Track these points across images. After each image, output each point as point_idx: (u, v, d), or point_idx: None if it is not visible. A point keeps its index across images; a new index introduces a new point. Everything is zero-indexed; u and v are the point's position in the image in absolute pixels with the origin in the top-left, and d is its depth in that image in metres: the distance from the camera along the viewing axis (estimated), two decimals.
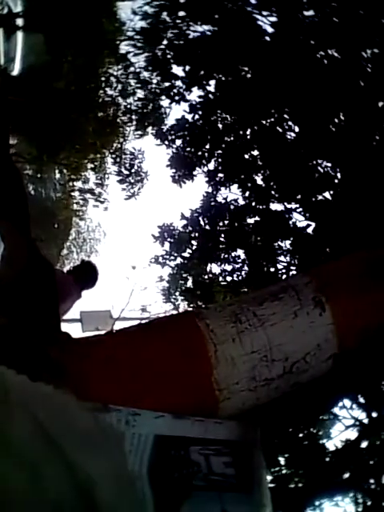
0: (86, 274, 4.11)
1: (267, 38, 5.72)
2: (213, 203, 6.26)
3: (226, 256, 6.10)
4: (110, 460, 0.70)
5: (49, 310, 1.22)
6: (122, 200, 9.67)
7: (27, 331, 1.04)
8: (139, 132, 9.22)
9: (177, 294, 6.90)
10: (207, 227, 6.19)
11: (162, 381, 1.10)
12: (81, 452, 0.67)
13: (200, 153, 6.43)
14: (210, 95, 6.31)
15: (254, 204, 6.03)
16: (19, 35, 10.23)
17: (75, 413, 0.74)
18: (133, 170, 9.51)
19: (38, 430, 0.66)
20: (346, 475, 4.42)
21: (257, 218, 6.03)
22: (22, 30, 9.73)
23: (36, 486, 0.62)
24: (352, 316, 1.24)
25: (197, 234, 6.28)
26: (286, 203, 5.74)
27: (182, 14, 6.31)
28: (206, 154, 6.39)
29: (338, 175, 5.41)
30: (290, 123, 5.78)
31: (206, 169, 6.45)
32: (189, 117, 6.45)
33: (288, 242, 5.69)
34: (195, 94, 6.45)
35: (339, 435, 4.82)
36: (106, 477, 0.67)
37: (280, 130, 5.84)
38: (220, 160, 6.27)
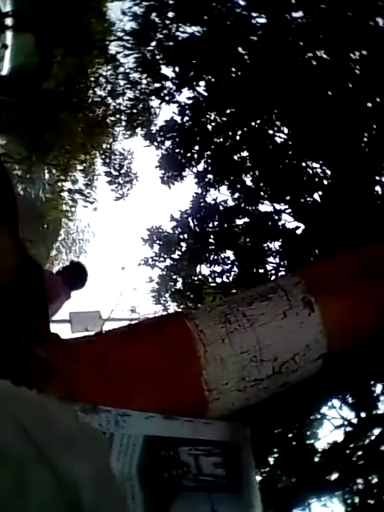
0: (75, 275, 4.10)
1: (256, 40, 5.73)
2: (202, 204, 6.27)
3: (216, 257, 6.10)
4: (94, 462, 0.70)
5: (38, 311, 1.21)
6: (111, 201, 9.66)
7: (16, 332, 1.03)
8: (129, 132, 9.21)
9: (166, 295, 6.89)
10: (197, 228, 6.19)
11: (152, 381, 1.10)
12: (65, 455, 0.67)
13: (189, 154, 6.43)
14: (200, 96, 6.32)
15: (243, 205, 6.04)
16: (8, 35, 10.18)
17: (58, 416, 0.74)
18: (122, 171, 9.50)
19: (21, 433, 0.66)
20: (335, 475, 4.44)
21: (246, 219, 6.04)
22: (12, 29, 9.68)
23: (21, 490, 0.62)
24: (341, 316, 1.25)
25: (186, 236, 6.28)
26: (275, 204, 5.76)
27: (171, 15, 6.31)
28: (196, 155, 6.39)
29: (327, 176, 5.44)
30: (279, 124, 5.80)
31: (195, 170, 6.46)
32: (178, 118, 6.45)
33: (277, 244, 5.71)
34: (185, 95, 6.46)
35: (328, 435, 4.84)
36: (90, 479, 0.67)
37: (269, 132, 5.85)
38: (209, 161, 6.27)
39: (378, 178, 4.98)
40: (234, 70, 5.98)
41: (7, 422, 0.66)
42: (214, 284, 6.23)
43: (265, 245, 5.76)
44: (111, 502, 0.70)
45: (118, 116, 9.19)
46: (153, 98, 7.34)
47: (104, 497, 0.68)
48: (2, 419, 0.66)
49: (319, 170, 5.48)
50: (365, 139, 5.00)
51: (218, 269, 6.09)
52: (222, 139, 6.26)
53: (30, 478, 0.63)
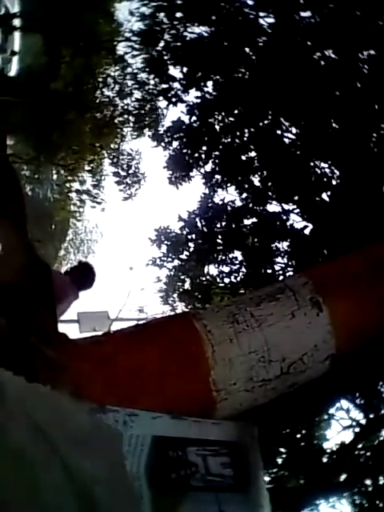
0: (83, 275, 4.10)
1: (264, 40, 5.72)
2: (210, 204, 6.26)
3: (224, 257, 6.09)
4: (107, 460, 0.70)
5: (46, 311, 1.22)
6: (119, 201, 9.68)
7: (25, 332, 1.04)
8: (136, 133, 9.22)
9: (174, 295, 6.90)
10: (204, 229, 6.18)
11: (160, 381, 1.10)
12: (78, 452, 0.67)
13: (197, 154, 6.43)
14: (208, 96, 6.31)
15: (251, 205, 6.03)
16: (17, 36, 10.22)
17: (72, 413, 0.74)
18: (130, 171, 9.51)
19: (35, 431, 0.66)
20: (343, 476, 4.43)
21: (254, 220, 6.03)
22: (20, 30, 9.72)
23: (34, 488, 0.62)
24: (349, 316, 1.24)
25: (194, 236, 6.28)
26: (283, 204, 5.75)
27: (179, 15, 6.31)
28: (203, 156, 6.38)
29: (336, 176, 5.42)
30: (287, 124, 5.79)
31: (203, 170, 6.45)
32: (186, 118, 6.45)
33: (285, 244, 5.69)
34: (192, 96, 6.46)
35: (336, 436, 4.82)
36: (103, 477, 0.67)
37: (277, 132, 5.84)
38: (217, 161, 6.27)
39: None
40: (241, 69, 5.97)
41: (21, 420, 0.66)
42: (222, 284, 6.22)
43: (273, 245, 5.74)
44: (124, 499, 0.70)
45: (125, 116, 9.20)
46: (160, 98, 7.34)
47: (117, 494, 0.68)
48: (16, 418, 0.67)
49: (327, 170, 5.47)
50: (373, 139, 4.98)
51: (226, 269, 6.08)
52: (229, 139, 6.25)
53: (43, 477, 0.63)
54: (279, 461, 4.69)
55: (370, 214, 4.44)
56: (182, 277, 6.69)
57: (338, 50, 5.13)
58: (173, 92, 6.67)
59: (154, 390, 1.08)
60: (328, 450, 4.73)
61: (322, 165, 5.48)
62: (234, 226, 6.04)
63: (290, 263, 5.67)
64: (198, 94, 6.35)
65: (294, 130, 5.77)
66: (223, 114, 6.20)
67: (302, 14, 5.35)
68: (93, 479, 0.65)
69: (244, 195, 6.08)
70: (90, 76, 9.33)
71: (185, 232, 6.31)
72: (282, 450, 4.70)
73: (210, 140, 6.28)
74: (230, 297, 5.77)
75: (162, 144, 6.83)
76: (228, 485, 0.96)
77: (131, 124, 9.12)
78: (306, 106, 5.22)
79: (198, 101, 6.34)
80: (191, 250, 6.37)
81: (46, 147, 9.85)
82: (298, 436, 4.84)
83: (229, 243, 6.02)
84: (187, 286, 6.72)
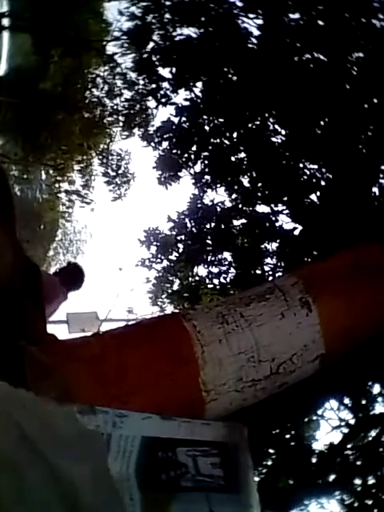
0: (73, 276, 4.09)
1: (253, 41, 5.73)
2: (199, 205, 6.26)
3: (213, 258, 6.10)
4: (93, 463, 0.70)
5: (35, 312, 1.21)
6: (108, 201, 9.66)
7: (13, 333, 1.03)
8: (126, 133, 9.20)
9: (164, 296, 6.89)
10: (194, 229, 6.18)
11: (149, 382, 1.10)
12: (63, 457, 0.66)
13: (186, 155, 6.43)
14: (197, 97, 6.32)
15: (240, 206, 6.04)
16: (5, 35, 10.17)
17: (57, 418, 0.73)
18: (119, 171, 9.49)
19: (20, 435, 0.66)
20: (333, 476, 4.44)
21: (243, 221, 6.04)
22: (9, 30, 9.68)
23: (20, 492, 0.62)
24: (339, 316, 1.25)
25: (183, 237, 6.28)
26: (272, 205, 5.76)
27: (168, 16, 6.31)
28: (193, 156, 6.38)
29: (325, 177, 5.44)
30: (276, 125, 5.80)
31: (192, 171, 6.45)
32: (175, 119, 6.45)
33: (275, 245, 5.70)
34: (182, 96, 6.45)
35: (326, 436, 4.84)
36: (89, 480, 0.66)
37: (267, 133, 5.85)
38: (206, 162, 6.27)
39: (375, 179, 4.99)
40: (231, 71, 5.98)
41: (6, 424, 0.66)
42: (211, 285, 6.23)
43: (262, 246, 5.75)
44: (109, 502, 0.70)
45: (115, 116, 9.19)
46: (150, 98, 7.34)
47: (102, 498, 0.68)
48: (1, 422, 0.66)
49: (317, 171, 5.49)
50: (362, 140, 5.00)
51: (215, 270, 6.08)
52: (219, 140, 6.25)
53: (28, 481, 0.63)
54: (269, 461, 4.70)
55: (359, 214, 4.46)
56: (172, 277, 6.68)
57: (327, 52, 5.15)
58: (162, 92, 6.66)
59: (144, 391, 1.08)
60: (317, 450, 4.75)
61: (312, 166, 5.50)
62: (223, 226, 6.05)
63: (279, 264, 5.68)
64: (188, 94, 6.36)
65: (283, 131, 5.79)
66: (213, 114, 6.20)
67: (291, 16, 5.37)
68: (78, 482, 0.65)
69: (233, 196, 6.09)
70: (79, 76, 9.30)
71: (174, 233, 6.31)
72: (272, 450, 4.70)
73: (200, 140, 6.28)
74: (220, 298, 5.78)
75: (152, 144, 6.82)
76: (218, 485, 0.96)
77: (121, 124, 9.11)
78: (296, 108, 5.23)
79: (188, 101, 6.34)
80: (181, 250, 6.36)
81: (35, 147, 9.81)
82: (288, 436, 4.85)
83: (218, 244, 6.02)
84: (177, 286, 6.72)
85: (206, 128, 6.30)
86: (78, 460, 0.68)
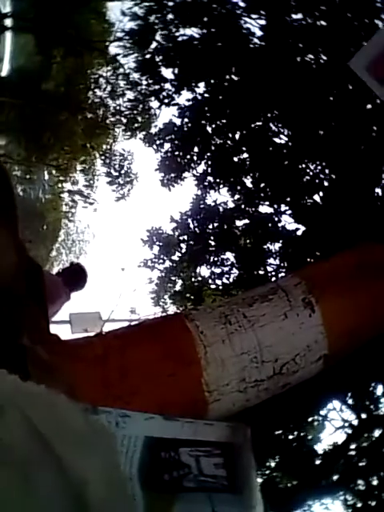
0: (75, 276, 4.09)
1: (256, 41, 5.74)
2: (202, 206, 6.27)
3: (216, 259, 6.10)
4: (102, 460, 0.70)
5: (37, 312, 1.21)
6: (111, 201, 9.67)
7: (15, 333, 1.03)
8: (129, 133, 9.21)
9: (166, 297, 6.90)
10: (197, 230, 6.19)
11: (152, 382, 1.10)
12: (72, 452, 0.66)
13: (189, 156, 6.43)
14: (200, 98, 6.32)
15: (243, 207, 6.04)
16: (8, 36, 10.19)
17: (66, 412, 0.73)
18: (122, 171, 9.51)
19: (29, 429, 0.66)
20: (336, 476, 4.44)
21: (246, 221, 6.04)
22: (11, 30, 9.70)
23: (27, 487, 0.62)
24: (342, 317, 1.24)
25: (186, 237, 6.28)
26: (275, 206, 5.76)
27: (171, 17, 6.31)
28: (196, 157, 6.39)
29: (327, 178, 5.44)
30: (279, 126, 5.80)
31: (195, 172, 6.46)
32: (178, 120, 6.45)
33: (278, 245, 5.71)
34: (184, 97, 6.46)
35: (329, 437, 4.83)
36: (98, 477, 0.66)
37: (269, 133, 5.85)
38: (209, 163, 6.27)
39: (377, 179, 4.98)
40: (233, 71, 5.98)
41: (15, 419, 0.66)
42: (214, 285, 6.23)
43: (265, 246, 5.75)
44: (119, 499, 0.70)
45: (117, 117, 9.20)
46: (153, 99, 7.34)
47: (112, 494, 0.68)
48: (9, 415, 0.66)
49: (319, 172, 5.48)
50: (365, 141, 5.00)
51: (217, 270, 6.09)
52: (221, 141, 6.26)
53: (36, 476, 0.63)
54: (272, 461, 4.70)
55: (362, 215, 4.46)
56: (174, 278, 6.69)
57: (329, 53, 5.15)
58: (165, 93, 6.67)
59: (147, 391, 1.08)
60: (320, 451, 4.75)
61: (314, 166, 5.50)
62: (226, 227, 6.05)
63: (282, 264, 5.68)
64: (190, 95, 6.37)
65: (286, 132, 5.79)
66: (215, 115, 6.21)
67: (294, 17, 5.37)
68: (88, 477, 0.64)
69: (236, 196, 6.10)
70: (81, 76, 9.32)
71: (177, 233, 6.31)
72: (275, 450, 4.70)
73: (202, 142, 6.29)
74: (222, 298, 5.78)
75: (154, 146, 6.82)
76: (221, 486, 0.96)
77: (123, 124, 9.12)
78: (298, 108, 5.23)
79: (190, 102, 6.35)
80: (183, 251, 6.37)
81: (38, 147, 9.83)
82: (291, 437, 4.85)
83: (221, 244, 6.02)
84: (179, 287, 6.72)
85: (209, 129, 6.31)
86: (88, 455, 0.68)
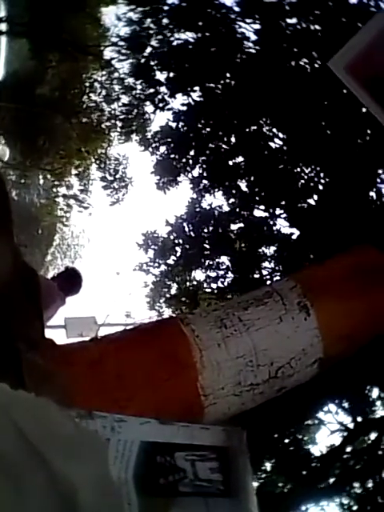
0: (70, 281, 4.09)
1: (251, 46, 5.75)
2: (197, 209, 6.27)
3: (211, 262, 6.10)
4: (93, 467, 0.70)
5: (32, 317, 1.21)
6: (106, 206, 9.67)
7: (10, 338, 1.03)
8: (123, 138, 9.22)
9: (161, 301, 6.89)
10: (192, 233, 6.19)
11: (148, 387, 1.10)
12: (63, 459, 0.66)
13: (184, 159, 6.44)
14: (194, 102, 6.33)
15: (238, 210, 6.05)
16: (3, 40, 10.19)
17: (57, 419, 0.73)
18: (117, 176, 9.51)
19: (19, 437, 0.66)
20: (332, 479, 4.44)
21: (241, 225, 6.05)
22: (6, 35, 9.70)
23: (17, 495, 0.62)
24: (337, 320, 1.25)
25: (181, 241, 6.28)
26: (270, 209, 5.77)
27: (165, 21, 6.33)
28: (191, 161, 6.40)
29: (322, 182, 5.45)
30: (273, 130, 5.82)
31: (190, 175, 6.46)
32: (173, 123, 6.46)
33: (273, 248, 5.71)
34: (179, 101, 6.47)
35: (325, 440, 4.84)
36: (89, 484, 0.66)
37: (264, 137, 5.87)
38: (204, 166, 6.28)
39: (372, 183, 5.00)
40: (228, 75, 6.00)
41: (5, 425, 0.66)
42: (209, 289, 6.23)
43: (260, 250, 5.76)
44: (110, 505, 0.70)
45: (112, 121, 9.21)
46: (148, 103, 7.36)
47: (103, 500, 0.68)
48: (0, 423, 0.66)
49: (314, 176, 5.50)
50: (359, 145, 5.02)
51: (213, 274, 6.09)
52: (216, 145, 6.27)
53: (27, 483, 0.63)
54: (268, 465, 4.69)
55: (357, 218, 4.47)
56: (170, 282, 6.68)
57: (324, 57, 5.17)
58: (160, 97, 6.68)
59: (142, 396, 1.08)
60: (316, 454, 4.74)
61: (309, 170, 5.52)
62: (221, 230, 6.06)
63: (277, 268, 5.69)
64: (185, 99, 6.38)
65: (280, 135, 5.81)
66: (210, 119, 6.22)
67: (288, 21, 5.39)
68: (77, 483, 0.64)
69: (231, 200, 6.10)
70: (76, 81, 9.33)
71: (172, 237, 6.31)
72: (271, 454, 4.70)
73: (198, 145, 6.30)
74: (218, 302, 5.77)
75: (150, 149, 6.83)
76: (217, 490, 0.96)
77: (118, 129, 9.13)
78: (293, 112, 5.25)
79: (185, 106, 6.36)
80: (178, 254, 6.37)
81: (33, 152, 9.82)
82: (287, 440, 4.85)
83: (216, 248, 6.03)
84: (174, 290, 6.72)
85: (204, 132, 6.32)
86: (78, 462, 0.68)
